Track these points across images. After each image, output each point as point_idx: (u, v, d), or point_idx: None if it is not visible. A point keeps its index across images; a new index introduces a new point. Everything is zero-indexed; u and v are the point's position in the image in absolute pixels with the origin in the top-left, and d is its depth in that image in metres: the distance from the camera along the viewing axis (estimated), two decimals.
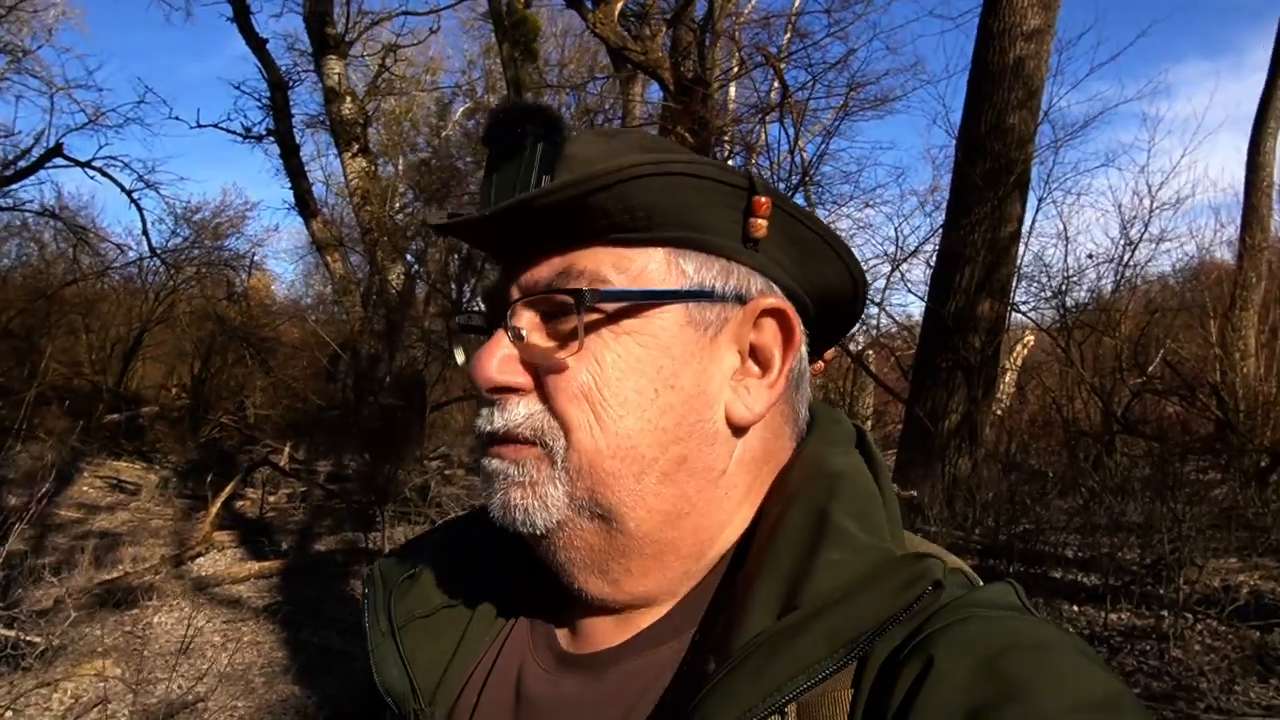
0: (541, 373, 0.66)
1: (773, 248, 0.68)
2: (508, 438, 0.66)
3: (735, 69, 12.29)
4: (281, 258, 62.19)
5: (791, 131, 9.93)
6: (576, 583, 0.68)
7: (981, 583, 0.63)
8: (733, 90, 13.27)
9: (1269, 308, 9.02)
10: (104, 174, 13.45)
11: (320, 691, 4.69)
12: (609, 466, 0.64)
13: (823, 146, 9.84)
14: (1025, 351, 11.24)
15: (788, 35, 12.51)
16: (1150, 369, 8.04)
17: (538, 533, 0.66)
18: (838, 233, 0.71)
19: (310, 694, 4.64)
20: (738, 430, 0.68)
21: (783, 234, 0.68)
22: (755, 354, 0.69)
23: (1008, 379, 10.11)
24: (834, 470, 0.66)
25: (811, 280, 0.72)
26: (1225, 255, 11.49)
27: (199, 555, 7.83)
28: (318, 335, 15.48)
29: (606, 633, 0.70)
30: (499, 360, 0.66)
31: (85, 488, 10.54)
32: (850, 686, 0.56)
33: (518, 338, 0.67)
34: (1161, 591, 5.43)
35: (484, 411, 0.68)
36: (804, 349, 0.73)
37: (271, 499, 10.07)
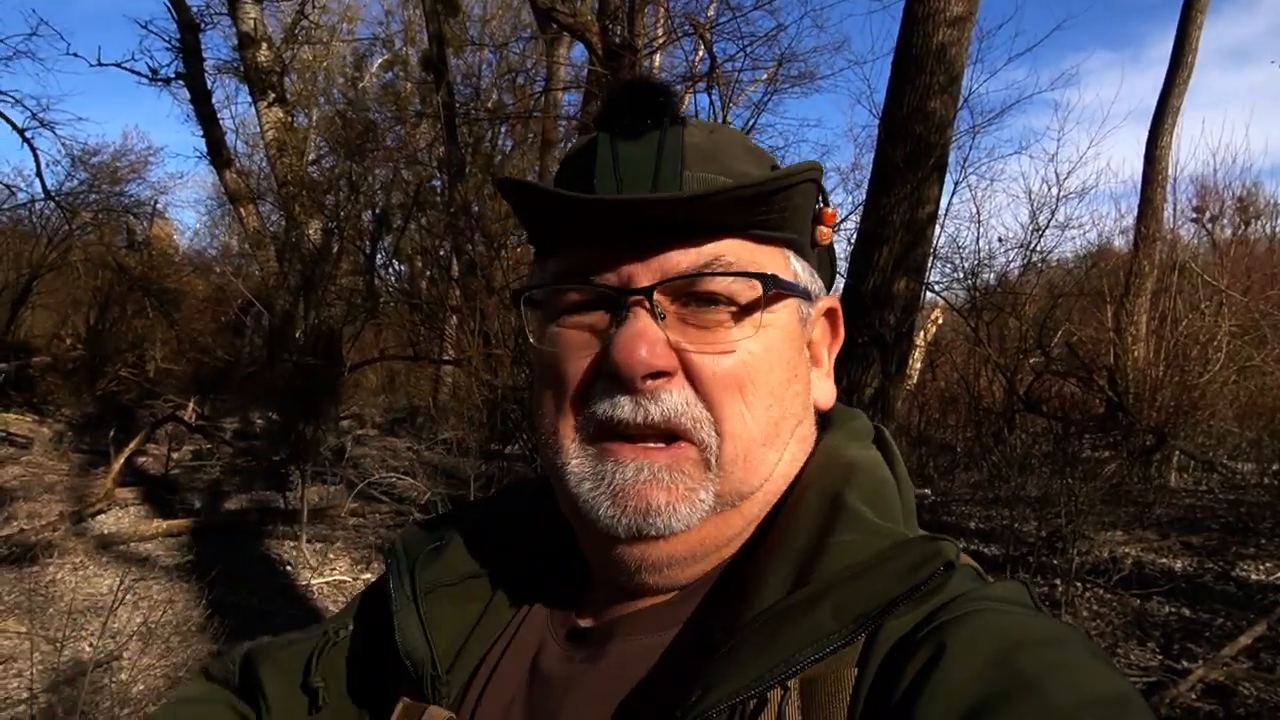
0: (691, 356, 0.66)
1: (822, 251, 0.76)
2: (670, 429, 0.65)
3: (661, 36, 12.26)
4: (183, 207, 59.51)
5: (719, 102, 9.98)
6: (636, 579, 0.70)
7: (991, 579, 0.64)
8: (656, 59, 13.24)
9: (1159, 295, 9.48)
10: None
11: None
12: (759, 454, 0.68)
13: (751, 121, 9.91)
14: (934, 329, 11.64)
15: (711, 5, 12.52)
16: (1051, 350, 8.43)
17: (660, 535, 0.66)
18: None
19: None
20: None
21: None
22: (810, 348, 0.76)
23: (915, 355, 10.45)
24: (849, 460, 0.70)
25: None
26: (1121, 244, 12.06)
27: (100, 512, 7.57)
28: (224, 289, 14.97)
29: (620, 608, 0.72)
30: (650, 343, 0.64)
31: None
32: (854, 665, 0.56)
33: (660, 318, 0.65)
34: (1056, 562, 5.76)
35: (621, 400, 0.65)
36: None
37: (175, 456, 9.77)
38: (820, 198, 0.72)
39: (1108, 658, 0.55)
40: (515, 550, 0.80)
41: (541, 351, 0.71)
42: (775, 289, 0.66)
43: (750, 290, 0.66)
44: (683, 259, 0.65)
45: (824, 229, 0.73)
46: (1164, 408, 7.90)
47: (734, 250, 0.66)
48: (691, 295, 0.66)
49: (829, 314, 0.77)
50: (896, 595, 0.56)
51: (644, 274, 0.66)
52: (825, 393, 0.76)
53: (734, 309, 0.66)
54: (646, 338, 0.64)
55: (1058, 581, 5.50)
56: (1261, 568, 6.13)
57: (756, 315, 0.66)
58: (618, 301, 0.66)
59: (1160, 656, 4.66)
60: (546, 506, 0.79)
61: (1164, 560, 6.34)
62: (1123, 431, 7.70)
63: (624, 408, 0.65)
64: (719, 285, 0.66)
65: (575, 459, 0.68)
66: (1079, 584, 5.36)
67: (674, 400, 0.65)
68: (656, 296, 0.65)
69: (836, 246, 0.79)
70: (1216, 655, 4.38)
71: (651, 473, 0.65)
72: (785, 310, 0.70)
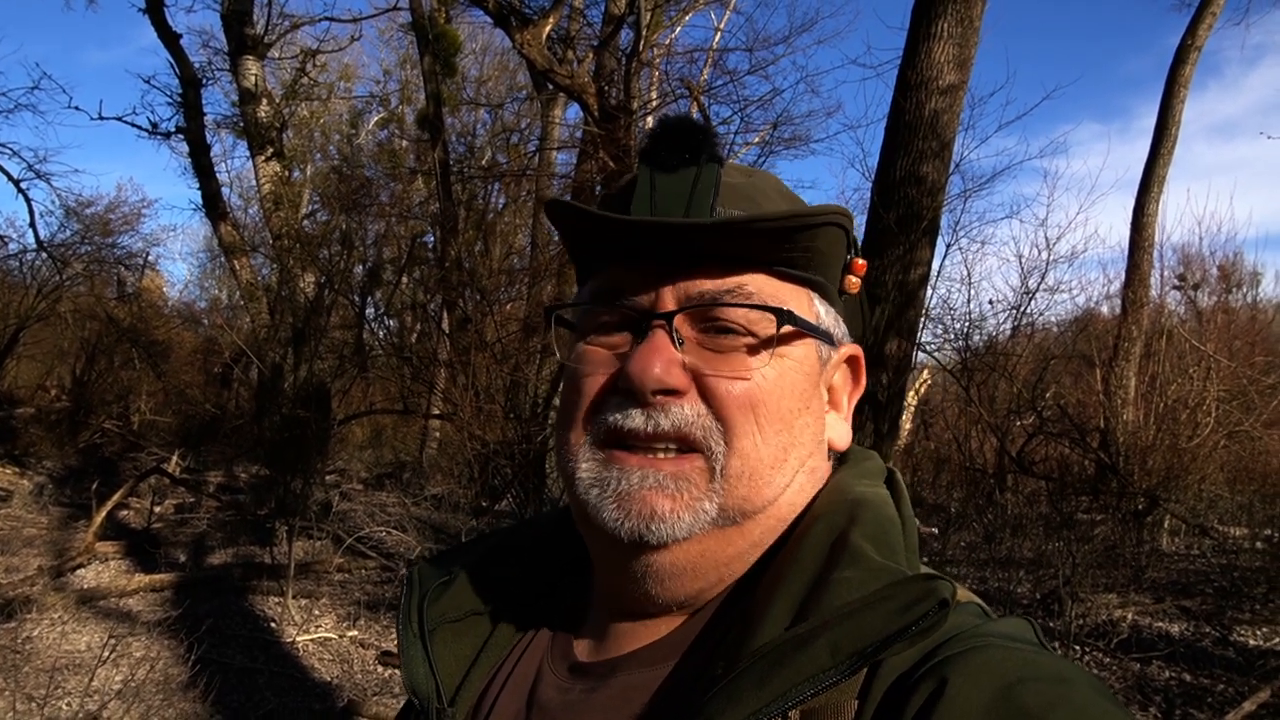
0: (707, 379, 0.68)
1: (849, 301, 0.78)
2: (680, 438, 0.67)
3: (655, 99, 12.47)
4: (174, 259, 59.75)
5: None
6: (639, 588, 0.70)
7: (996, 616, 0.65)
8: (650, 120, 13.45)
9: (1147, 360, 9.56)
10: None
11: (226, 710, 4.49)
12: (765, 475, 0.68)
13: None
14: (923, 389, 11.68)
15: (705, 69, 12.77)
16: (1043, 411, 8.46)
17: (663, 543, 0.66)
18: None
19: (214, 713, 4.44)
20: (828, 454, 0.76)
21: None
22: (830, 393, 0.77)
23: (905, 415, 10.46)
24: (857, 497, 0.70)
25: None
26: (1107, 309, 12.20)
27: (80, 566, 7.42)
28: (213, 341, 14.91)
29: (620, 641, 0.73)
30: (665, 362, 0.67)
31: None
32: (856, 698, 0.57)
33: (679, 343, 0.68)
34: (1052, 625, 5.70)
35: (633, 412, 0.67)
36: None
37: (158, 509, 9.62)
38: (852, 248, 0.74)
39: (1113, 696, 0.55)
40: (518, 583, 0.83)
41: (567, 368, 0.74)
42: (790, 325, 0.69)
43: (766, 322, 0.68)
44: (706, 287, 0.69)
45: (853, 278, 0.75)
46: (1155, 471, 7.91)
47: (756, 283, 0.69)
48: (711, 323, 0.69)
49: (851, 361, 0.79)
50: (890, 633, 0.56)
51: (669, 299, 0.69)
52: (841, 434, 0.76)
53: (751, 339, 0.69)
54: (662, 355, 0.67)
55: (1056, 645, 5.43)
56: (1259, 633, 6.09)
57: (771, 346, 0.68)
58: (640, 323, 0.69)
59: None
60: (553, 540, 0.84)
61: (1160, 624, 6.29)
62: (1115, 494, 7.69)
63: (635, 419, 0.67)
64: (738, 315, 0.68)
65: (585, 464, 0.69)
66: (1078, 647, 5.30)
67: (685, 413, 0.67)
68: (677, 322, 0.69)
69: None
70: None
71: (657, 480, 0.66)
72: (802, 347, 0.72)
